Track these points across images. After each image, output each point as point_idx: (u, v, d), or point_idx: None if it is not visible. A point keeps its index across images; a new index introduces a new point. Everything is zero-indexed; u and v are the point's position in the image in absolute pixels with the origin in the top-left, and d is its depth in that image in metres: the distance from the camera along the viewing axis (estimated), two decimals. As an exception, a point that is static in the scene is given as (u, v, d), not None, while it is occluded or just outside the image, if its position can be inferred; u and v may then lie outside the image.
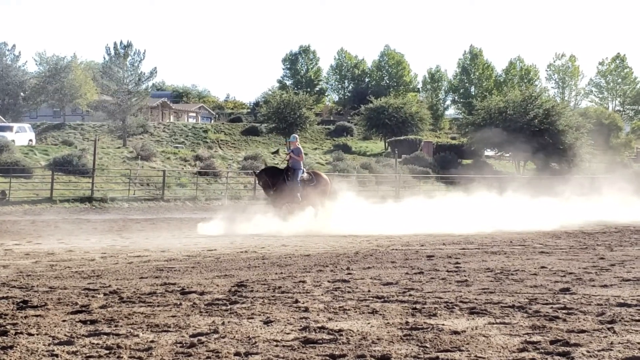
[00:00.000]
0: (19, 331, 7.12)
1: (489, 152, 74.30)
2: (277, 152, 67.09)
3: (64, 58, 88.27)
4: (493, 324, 7.54)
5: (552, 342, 6.67)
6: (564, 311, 8.18)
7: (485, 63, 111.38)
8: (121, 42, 65.83)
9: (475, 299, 9.03)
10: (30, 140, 59.98)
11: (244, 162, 55.88)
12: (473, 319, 7.83)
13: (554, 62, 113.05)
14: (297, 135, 27.74)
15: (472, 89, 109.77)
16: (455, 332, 7.08)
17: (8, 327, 7.33)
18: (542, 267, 12.42)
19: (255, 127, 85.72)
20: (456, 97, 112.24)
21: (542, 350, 6.39)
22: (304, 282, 10.57)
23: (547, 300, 8.95)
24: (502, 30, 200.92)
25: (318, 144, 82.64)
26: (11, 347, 6.45)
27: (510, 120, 65.57)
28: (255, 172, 29.30)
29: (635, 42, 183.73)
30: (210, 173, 50.29)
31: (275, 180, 24.32)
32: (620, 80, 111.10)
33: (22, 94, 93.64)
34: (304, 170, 25.33)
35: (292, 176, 24.39)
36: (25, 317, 7.92)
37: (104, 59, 68.10)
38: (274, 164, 36.98)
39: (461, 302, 8.78)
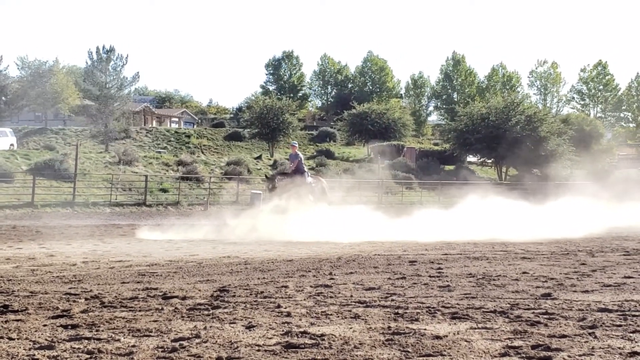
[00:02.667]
0: (-1, 336, 7.08)
1: (471, 158, 74.54)
2: (259, 157, 67.04)
3: (46, 62, 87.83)
4: (475, 328, 7.56)
5: (533, 347, 6.70)
6: (545, 316, 8.22)
7: (468, 69, 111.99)
8: (104, 47, 65.58)
9: (458, 304, 9.05)
10: (12, 144, 59.69)
11: (226, 168, 55.82)
12: (455, 323, 7.85)
13: (536, 68, 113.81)
14: (296, 142, 27.98)
15: (455, 95, 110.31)
16: (437, 337, 7.10)
17: (-12, 331, 7.28)
18: (524, 273, 12.47)
19: (238, 133, 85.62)
20: (439, 103, 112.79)
21: (524, 355, 6.42)
22: (286, 287, 10.56)
23: (528, 305, 8.98)
24: (484, 36, 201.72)
25: (301, 149, 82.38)
26: (-9, 352, 6.42)
27: (493, 126, 65.79)
28: (266, 176, 29.45)
29: (617, 49, 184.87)
30: (193, 178, 50.18)
31: (286, 180, 24.83)
32: (601, 87, 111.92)
33: (3, 98, 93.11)
34: (308, 174, 25.71)
35: (301, 178, 24.71)
36: (6, 321, 7.88)
37: (87, 63, 67.76)
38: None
39: (443, 307, 8.80)
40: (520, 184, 57.89)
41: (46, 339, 6.96)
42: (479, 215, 25.98)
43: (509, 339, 7.07)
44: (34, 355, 6.36)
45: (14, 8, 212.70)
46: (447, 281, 11.30)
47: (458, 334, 7.31)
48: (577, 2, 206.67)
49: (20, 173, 43.65)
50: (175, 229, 25.02)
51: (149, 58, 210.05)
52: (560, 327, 7.65)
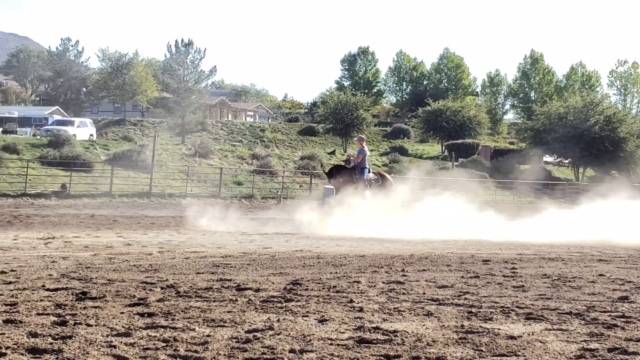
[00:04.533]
0: (78, 322, 7.24)
1: (547, 158, 73.47)
2: (333, 152, 67.15)
3: (126, 55, 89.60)
4: (550, 330, 7.47)
5: (610, 350, 6.59)
6: (622, 319, 8.07)
7: (546, 68, 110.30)
8: (182, 40, 66.60)
9: (532, 304, 8.94)
10: (91, 135, 60.98)
11: (300, 162, 56.06)
12: (529, 324, 7.76)
13: (616, 68, 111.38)
14: (363, 136, 27.87)
15: (532, 94, 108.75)
16: (512, 337, 7.03)
17: (67, 317, 7.46)
18: (600, 275, 12.25)
19: (312, 128, 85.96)
20: (515, 102, 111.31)
21: (600, 358, 6.32)
22: (358, 282, 10.56)
23: (605, 308, 8.83)
24: (563, 35, 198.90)
25: (374, 145, 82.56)
26: (70, 337, 6.57)
27: (570, 126, 64.73)
28: (324, 170, 29.45)
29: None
30: (267, 172, 50.54)
31: (343, 175, 24.71)
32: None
33: (84, 89, 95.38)
34: (370, 170, 25.54)
35: (359, 174, 24.61)
36: (84, 308, 8.05)
37: (165, 56, 68.98)
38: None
39: (517, 307, 8.70)
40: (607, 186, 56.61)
41: (123, 326, 7.09)
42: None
43: (584, 341, 6.97)
44: (112, 341, 6.49)
45: (96, 1, 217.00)
46: (522, 281, 11.17)
47: (533, 334, 7.22)
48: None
49: (99, 163, 44.56)
50: (249, 221, 25.23)
51: (226, 52, 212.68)
52: (638, 330, 7.51)
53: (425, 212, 23.33)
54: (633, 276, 12.24)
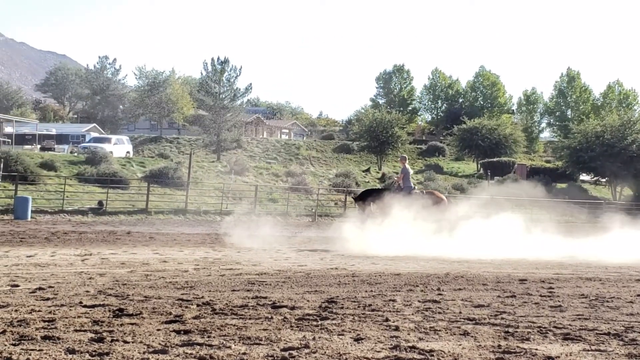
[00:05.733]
0: (115, 338, 7.30)
1: (584, 177, 72.85)
2: (368, 170, 67.10)
3: (162, 72, 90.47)
4: (588, 350, 7.39)
5: (649, 372, 6.51)
6: (662, 341, 7.97)
7: (583, 86, 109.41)
8: (218, 58, 67.02)
9: (570, 324, 8.85)
10: (128, 152, 61.51)
11: (335, 179, 56.10)
12: (567, 344, 7.68)
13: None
14: (405, 155, 27.90)
15: (569, 112, 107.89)
16: (549, 358, 6.97)
17: (104, 334, 7.52)
18: (639, 295, 12.11)
19: (347, 145, 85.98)
20: (552, 120, 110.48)
21: (640, 380, 6.24)
22: (394, 300, 10.53)
23: (644, 329, 8.72)
24: (600, 53, 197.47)
25: (409, 163, 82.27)
26: (107, 354, 6.63)
27: (608, 144, 64.17)
28: (353, 197, 29.57)
29: None
30: (302, 189, 50.60)
31: (375, 198, 24.83)
32: None
33: (121, 106, 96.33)
34: (414, 188, 25.50)
35: (404, 193, 24.54)
36: (121, 324, 8.11)
37: (201, 74, 69.42)
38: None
39: (555, 327, 8.63)
40: None
41: (160, 343, 7.13)
42: None
43: (623, 363, 6.89)
44: (149, 358, 6.53)
45: (133, 19, 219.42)
46: (559, 301, 11.07)
47: (570, 355, 7.15)
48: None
49: (135, 180, 44.91)
50: (284, 239, 25.26)
51: (262, 70, 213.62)
52: (678, 353, 7.41)
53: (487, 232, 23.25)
54: (672, 297, 12.08)
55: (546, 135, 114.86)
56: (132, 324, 8.17)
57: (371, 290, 11.78)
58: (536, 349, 7.33)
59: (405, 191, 24.72)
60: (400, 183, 25.33)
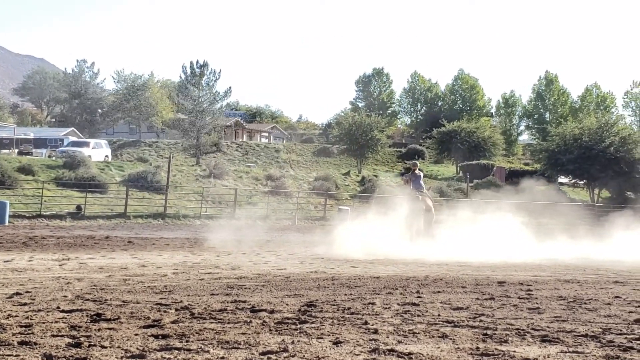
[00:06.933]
0: (92, 343, 7.25)
1: (562, 179, 73.22)
2: (348, 173, 67.12)
3: (141, 76, 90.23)
4: (566, 352, 7.42)
5: (626, 374, 6.54)
6: (638, 342, 8.01)
7: (561, 89, 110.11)
8: (197, 62, 66.76)
9: (548, 326, 8.89)
10: (106, 156, 61.22)
11: (314, 183, 56.06)
12: (545, 346, 7.71)
13: (631, 89, 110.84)
14: (416, 162, 28.12)
15: (547, 115, 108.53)
16: (527, 360, 6.99)
17: (82, 339, 7.47)
18: (617, 297, 12.17)
19: (326, 148, 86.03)
20: (530, 123, 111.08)
21: (617, 382, 6.27)
22: (373, 304, 10.53)
23: (621, 330, 8.77)
24: (578, 56, 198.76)
25: (389, 166, 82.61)
26: (84, 359, 6.58)
27: (585, 147, 64.52)
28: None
29: None
30: (281, 193, 50.55)
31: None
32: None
33: (99, 110, 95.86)
34: (423, 190, 25.82)
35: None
36: (99, 329, 8.06)
37: (180, 77, 69.09)
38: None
39: (533, 329, 8.66)
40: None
41: (137, 348, 7.09)
42: None
43: (601, 364, 6.92)
44: (126, 363, 6.50)
45: (112, 23, 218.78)
46: (537, 303, 11.11)
47: (548, 357, 7.18)
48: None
49: (114, 184, 44.71)
50: (263, 242, 25.22)
51: (241, 73, 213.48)
52: (655, 354, 7.45)
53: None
54: (649, 298, 12.16)
55: (525, 138, 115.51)
56: (109, 328, 8.13)
57: (350, 294, 11.78)
58: (514, 351, 7.35)
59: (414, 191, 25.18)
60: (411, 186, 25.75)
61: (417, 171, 26.22)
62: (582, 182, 70.63)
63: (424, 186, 26.05)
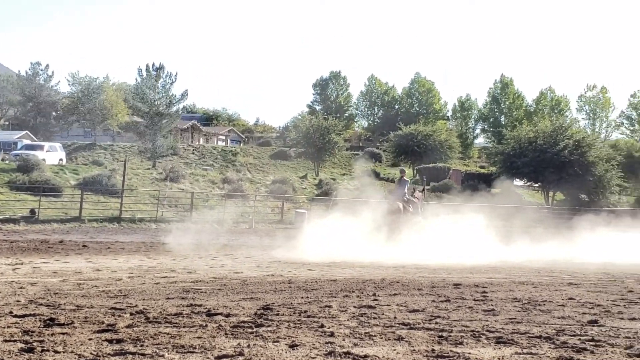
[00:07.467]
0: (45, 348, 7.16)
1: (517, 182, 73.91)
2: (305, 176, 67.14)
3: (96, 79, 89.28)
4: (520, 354, 7.47)
5: (579, 374, 6.60)
6: (591, 343, 8.10)
7: (516, 93, 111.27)
8: (153, 64, 66.32)
9: (502, 328, 8.95)
10: (61, 159, 60.55)
11: (272, 186, 55.96)
12: (500, 348, 7.76)
13: (585, 93, 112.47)
14: (404, 169, 28.69)
15: (502, 118, 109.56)
16: (482, 362, 7.03)
17: (35, 344, 7.37)
18: (570, 299, 12.31)
19: (284, 152, 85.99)
20: (486, 126, 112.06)
21: (570, 382, 6.33)
22: (330, 306, 10.53)
23: (574, 331, 8.86)
24: (533, 60, 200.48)
25: (346, 169, 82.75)
26: (38, 364, 6.50)
27: (540, 150, 65.17)
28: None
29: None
30: (239, 196, 50.37)
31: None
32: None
33: (54, 113, 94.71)
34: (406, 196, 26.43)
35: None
36: (52, 334, 7.96)
37: (136, 80, 68.55)
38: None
39: (488, 331, 8.72)
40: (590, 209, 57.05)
41: (91, 353, 7.02)
42: None
43: (554, 365, 6.98)
44: (80, 368, 6.42)
45: (66, 25, 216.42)
46: (492, 305, 11.19)
47: (503, 358, 7.23)
48: (627, 28, 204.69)
49: (68, 188, 44.22)
50: (220, 246, 25.11)
51: (198, 76, 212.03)
52: (607, 354, 7.54)
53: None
54: (602, 300, 12.31)
55: (480, 141, 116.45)
56: (63, 333, 8.03)
57: (307, 297, 11.77)
58: (469, 353, 7.39)
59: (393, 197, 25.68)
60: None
61: (404, 178, 26.72)
62: (536, 185, 71.35)
63: (406, 192, 26.35)
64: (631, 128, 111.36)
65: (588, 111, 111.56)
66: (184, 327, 8.60)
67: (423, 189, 29.54)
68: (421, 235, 23.70)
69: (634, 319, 10.14)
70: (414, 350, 7.52)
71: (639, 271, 19.15)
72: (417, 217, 25.85)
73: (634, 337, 8.54)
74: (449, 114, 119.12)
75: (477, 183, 68.88)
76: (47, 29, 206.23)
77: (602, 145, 71.75)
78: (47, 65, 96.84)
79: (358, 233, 23.43)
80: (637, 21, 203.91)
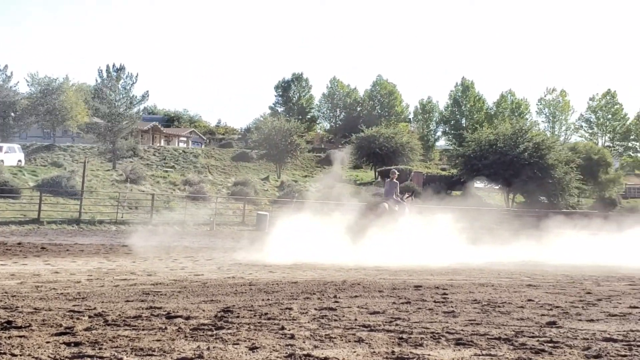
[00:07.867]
0: (2, 352, 7.06)
1: (478, 184, 74.48)
2: (267, 178, 67.07)
3: (56, 79, 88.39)
4: (479, 355, 7.51)
5: (538, 375, 6.64)
6: (550, 344, 8.16)
7: (477, 95, 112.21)
8: (114, 65, 65.91)
9: (462, 330, 8.99)
10: (20, 160, 59.88)
11: (233, 188, 55.83)
12: (459, 350, 7.79)
13: (545, 96, 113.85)
14: (395, 170, 28.78)
15: (463, 121, 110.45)
16: (441, 363, 7.05)
17: (-9, 347, 7.27)
18: (529, 300, 12.39)
19: (245, 153, 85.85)
20: (447, 129, 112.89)
21: (528, 383, 6.37)
22: (290, 309, 10.52)
23: (533, 333, 8.92)
24: (494, 63, 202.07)
25: (308, 171, 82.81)
26: (-7, 368, 6.41)
27: (500, 153, 65.73)
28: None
29: (626, 79, 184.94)
30: (200, 198, 50.18)
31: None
32: (610, 116, 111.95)
33: (12, 114, 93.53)
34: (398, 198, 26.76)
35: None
36: (9, 337, 7.86)
37: (96, 81, 68.06)
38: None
39: (447, 332, 8.75)
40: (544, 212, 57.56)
41: (49, 356, 6.94)
42: None
43: (513, 366, 7.02)
44: (36, 372, 6.35)
45: (25, 24, 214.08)
46: (452, 307, 11.24)
47: (462, 360, 7.26)
48: (587, 31, 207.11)
49: (27, 189, 43.74)
50: (181, 248, 24.99)
51: (159, 77, 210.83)
52: (565, 355, 7.60)
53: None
54: (561, 301, 12.42)
55: (442, 143, 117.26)
56: (20, 336, 7.93)
57: (268, 299, 11.74)
58: (429, 355, 7.41)
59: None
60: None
61: (394, 179, 26.84)
62: (497, 187, 71.95)
63: (393, 193, 26.46)
64: (590, 131, 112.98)
65: (548, 114, 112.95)
66: (143, 329, 8.53)
67: (412, 194, 29.63)
68: (387, 237, 23.76)
69: (591, 320, 10.23)
70: (374, 352, 7.53)
71: (597, 273, 19.37)
72: (401, 217, 25.93)
73: (592, 339, 8.62)
74: (411, 116, 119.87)
75: (438, 185, 69.26)
76: (6, 29, 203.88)
77: (562, 147, 72.66)
78: (6, 66, 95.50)
79: (321, 235, 23.45)
80: (596, 25, 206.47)
